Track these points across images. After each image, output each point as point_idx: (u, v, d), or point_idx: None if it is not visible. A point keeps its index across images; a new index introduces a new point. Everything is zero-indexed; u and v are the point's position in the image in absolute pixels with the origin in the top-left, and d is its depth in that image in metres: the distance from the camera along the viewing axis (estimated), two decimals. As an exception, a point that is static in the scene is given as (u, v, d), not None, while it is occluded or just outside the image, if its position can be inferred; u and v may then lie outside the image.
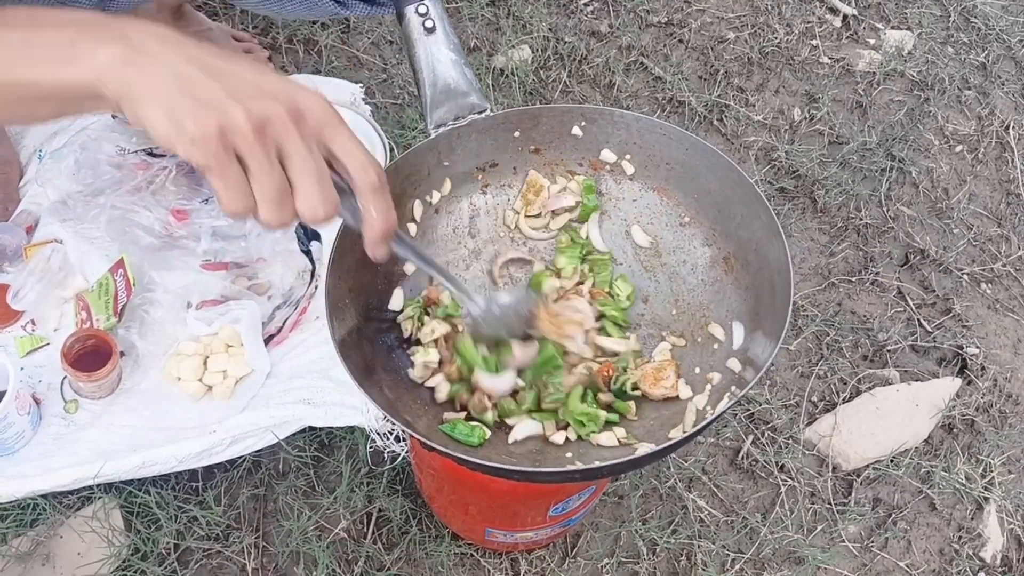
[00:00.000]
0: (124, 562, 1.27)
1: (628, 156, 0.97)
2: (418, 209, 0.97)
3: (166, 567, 1.29)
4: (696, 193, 0.94)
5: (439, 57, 0.93)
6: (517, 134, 0.97)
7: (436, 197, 0.98)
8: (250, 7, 1.40)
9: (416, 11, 0.93)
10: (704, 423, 0.76)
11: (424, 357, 0.89)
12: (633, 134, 0.95)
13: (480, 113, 0.94)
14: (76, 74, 0.59)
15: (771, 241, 0.84)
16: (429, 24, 0.93)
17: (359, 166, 0.64)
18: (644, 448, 0.81)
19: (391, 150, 1.64)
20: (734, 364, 0.85)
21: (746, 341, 0.86)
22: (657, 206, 0.97)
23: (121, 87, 0.58)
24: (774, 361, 1.62)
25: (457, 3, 1.98)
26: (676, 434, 0.82)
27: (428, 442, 0.77)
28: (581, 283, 0.96)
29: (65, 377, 1.35)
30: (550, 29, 1.97)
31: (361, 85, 1.76)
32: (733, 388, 0.82)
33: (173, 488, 1.34)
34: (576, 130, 0.96)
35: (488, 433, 0.85)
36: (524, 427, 0.86)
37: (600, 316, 0.94)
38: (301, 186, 0.61)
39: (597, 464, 0.76)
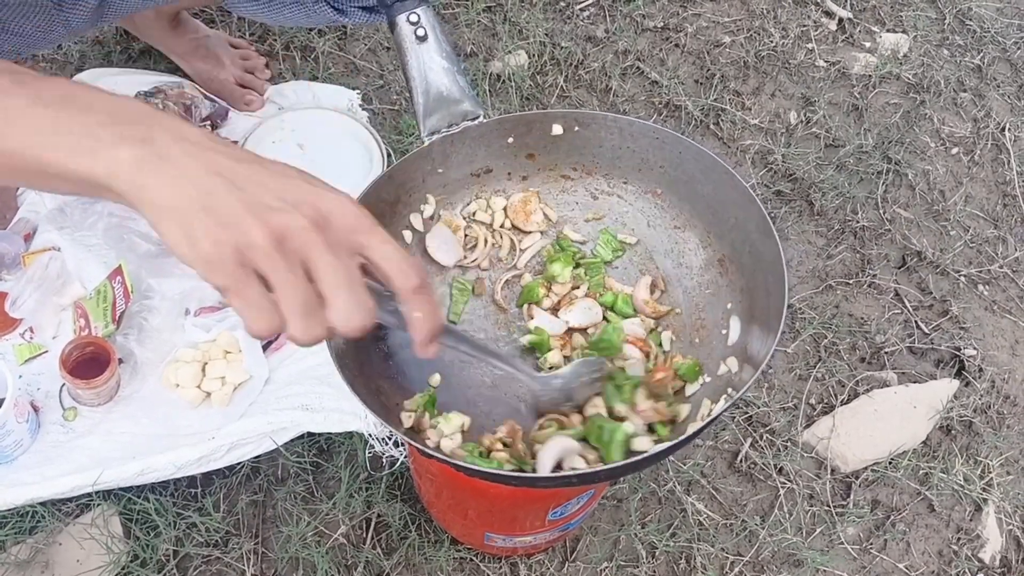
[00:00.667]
0: (123, 569, 1.27)
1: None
2: (415, 219, 0.97)
3: (165, 574, 1.29)
4: (690, 196, 0.94)
5: (431, 65, 0.93)
6: (511, 140, 0.98)
7: (428, 210, 0.98)
8: (248, 14, 1.41)
9: (408, 20, 0.94)
10: (704, 423, 0.76)
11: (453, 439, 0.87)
12: (627, 138, 0.95)
13: (473, 120, 0.95)
14: (92, 168, 0.57)
15: (765, 242, 0.84)
16: (421, 32, 0.93)
17: (398, 271, 0.61)
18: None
19: (388, 156, 1.65)
20: (732, 363, 0.86)
21: (742, 339, 0.87)
22: (651, 210, 0.98)
23: (136, 192, 0.56)
24: (772, 364, 1.63)
25: (453, 9, 1.99)
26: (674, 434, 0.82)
27: (426, 449, 0.77)
28: (576, 287, 0.96)
29: (63, 384, 1.35)
30: (546, 34, 1.98)
31: (358, 91, 1.76)
32: (730, 390, 0.82)
33: (172, 495, 1.34)
34: (558, 128, 0.96)
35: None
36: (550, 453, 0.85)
37: (609, 308, 0.95)
38: (331, 297, 0.58)
39: (594, 469, 0.77)
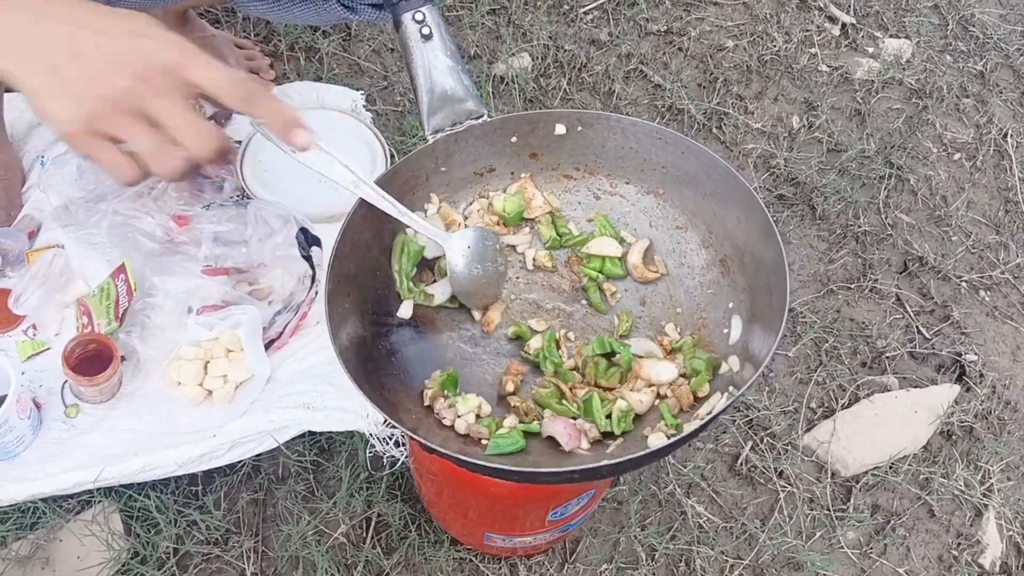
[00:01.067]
0: (123, 566, 1.27)
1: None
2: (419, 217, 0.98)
3: (165, 571, 1.29)
4: (692, 196, 0.95)
5: (436, 64, 0.93)
6: (514, 139, 0.98)
7: (431, 209, 0.98)
8: (258, 13, 1.42)
9: (413, 18, 0.94)
10: (705, 420, 0.76)
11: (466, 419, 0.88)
12: (629, 138, 0.96)
13: (477, 119, 0.95)
14: None
15: (767, 242, 0.84)
16: (426, 31, 0.94)
17: (225, 90, 0.69)
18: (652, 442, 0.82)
19: (391, 156, 1.65)
20: (734, 362, 0.86)
21: (744, 338, 0.87)
22: (654, 209, 0.98)
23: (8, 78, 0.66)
24: (773, 367, 1.63)
25: (458, 11, 1.99)
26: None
27: (427, 443, 0.77)
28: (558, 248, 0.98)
29: (66, 381, 1.35)
30: (550, 37, 1.98)
31: (362, 92, 1.77)
32: (731, 388, 0.83)
33: (173, 492, 1.34)
34: (561, 128, 0.97)
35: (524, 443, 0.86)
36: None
37: (596, 277, 0.96)
38: (178, 136, 0.67)
39: (595, 464, 0.77)
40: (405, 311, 0.93)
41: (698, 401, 0.86)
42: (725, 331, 0.89)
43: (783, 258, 0.81)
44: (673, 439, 0.77)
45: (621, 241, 0.98)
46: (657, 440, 0.81)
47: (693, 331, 0.92)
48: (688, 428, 0.78)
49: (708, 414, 0.80)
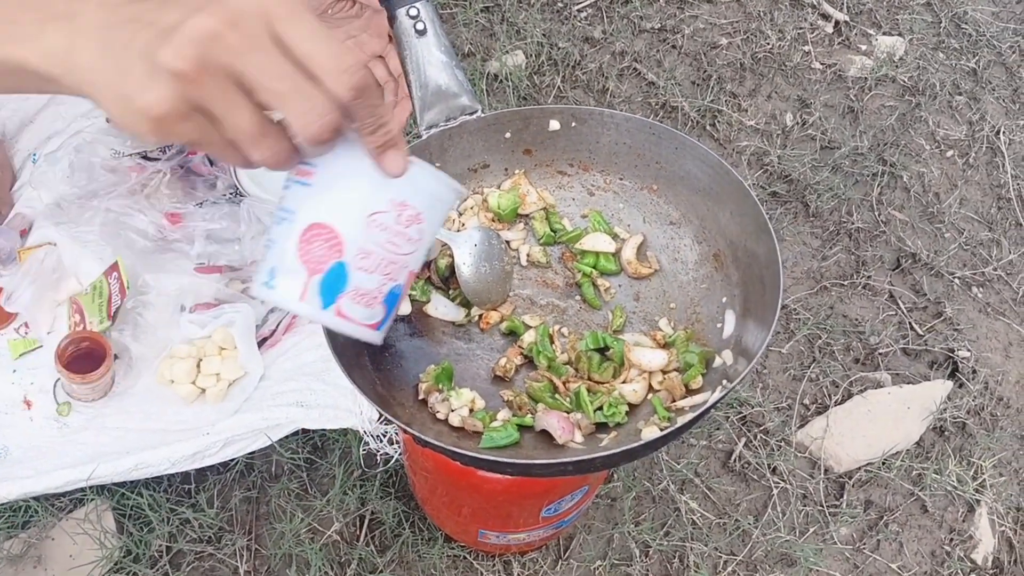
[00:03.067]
0: (116, 564, 1.27)
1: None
2: None
3: (158, 569, 1.28)
4: (686, 191, 0.95)
5: (430, 59, 0.93)
6: (508, 135, 0.98)
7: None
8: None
9: (407, 13, 0.94)
10: (697, 412, 0.76)
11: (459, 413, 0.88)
12: (623, 134, 0.96)
13: (471, 114, 0.95)
14: (27, 58, 0.51)
15: (760, 236, 0.84)
16: (420, 27, 0.93)
17: (330, 71, 0.49)
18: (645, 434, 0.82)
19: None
20: (727, 356, 0.86)
21: (737, 332, 0.87)
22: (647, 205, 0.98)
23: (75, 80, 0.50)
24: (766, 364, 1.63)
25: (452, 8, 1.99)
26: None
27: (421, 436, 0.77)
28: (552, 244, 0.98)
29: (58, 380, 1.35)
30: (544, 34, 1.98)
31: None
32: (724, 381, 0.83)
33: (166, 490, 1.34)
34: (555, 124, 0.97)
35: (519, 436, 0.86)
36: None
37: (589, 273, 0.96)
38: (278, 104, 0.49)
39: (589, 456, 0.77)
40: (404, 308, 0.93)
41: (691, 394, 0.86)
42: (719, 326, 0.89)
43: (776, 252, 0.81)
44: (666, 431, 0.77)
45: (615, 237, 0.98)
46: (650, 432, 0.81)
47: (687, 326, 0.92)
48: (681, 420, 0.78)
49: (702, 404, 0.80)
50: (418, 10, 0.94)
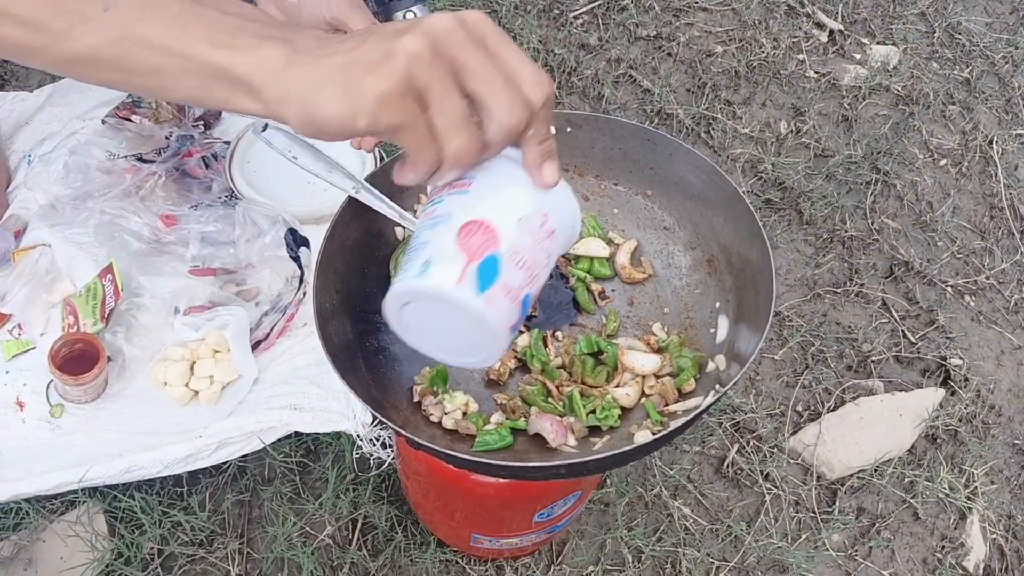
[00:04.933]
0: (107, 567, 1.26)
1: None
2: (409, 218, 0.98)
3: (149, 572, 1.28)
4: (680, 197, 0.95)
5: None
6: (504, 139, 0.98)
7: (421, 209, 0.98)
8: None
9: (404, 17, 0.94)
10: (690, 416, 0.76)
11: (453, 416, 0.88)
12: (618, 140, 0.96)
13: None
14: (236, 64, 0.56)
15: (753, 241, 0.85)
16: None
17: (530, 79, 0.57)
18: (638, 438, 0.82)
19: (381, 158, 1.65)
20: (720, 361, 0.86)
21: (730, 337, 0.87)
22: (641, 210, 0.99)
23: (281, 89, 0.56)
24: (759, 370, 1.64)
25: (447, 15, 2.00)
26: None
27: (415, 438, 0.77)
28: None
29: (51, 381, 1.34)
30: (540, 41, 1.99)
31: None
32: (717, 386, 0.83)
33: (158, 493, 1.34)
34: (552, 130, 0.97)
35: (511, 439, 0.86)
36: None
37: (585, 276, 0.96)
38: (491, 96, 0.56)
39: (582, 459, 0.77)
40: None
41: (684, 398, 0.86)
42: (712, 331, 0.90)
43: (769, 257, 0.82)
44: (659, 435, 0.78)
45: (609, 242, 0.98)
46: (643, 436, 0.81)
47: (680, 331, 0.92)
48: (674, 424, 0.78)
49: (694, 408, 0.80)
50: (415, 14, 0.94)
